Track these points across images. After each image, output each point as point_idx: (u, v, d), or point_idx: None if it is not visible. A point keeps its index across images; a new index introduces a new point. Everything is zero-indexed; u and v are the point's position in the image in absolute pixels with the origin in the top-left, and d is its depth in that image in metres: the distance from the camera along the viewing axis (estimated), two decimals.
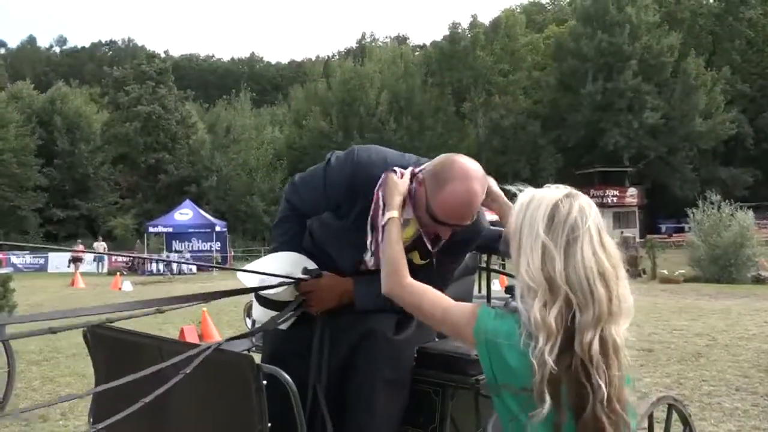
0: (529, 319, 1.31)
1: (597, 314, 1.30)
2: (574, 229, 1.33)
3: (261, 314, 2.06)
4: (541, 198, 1.40)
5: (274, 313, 2.01)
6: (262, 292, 2.02)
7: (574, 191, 1.42)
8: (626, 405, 1.33)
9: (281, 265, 2.01)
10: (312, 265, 2.03)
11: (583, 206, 1.37)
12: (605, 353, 1.30)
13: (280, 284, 1.95)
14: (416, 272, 1.94)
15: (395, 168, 1.90)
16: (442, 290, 2.06)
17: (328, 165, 2.03)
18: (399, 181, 1.85)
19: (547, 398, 1.26)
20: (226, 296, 1.96)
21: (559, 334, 1.29)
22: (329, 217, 2.07)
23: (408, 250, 1.92)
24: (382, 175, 1.89)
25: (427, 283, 1.98)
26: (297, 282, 1.97)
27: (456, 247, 2.01)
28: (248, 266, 2.06)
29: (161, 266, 25.47)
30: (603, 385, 1.27)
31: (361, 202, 1.94)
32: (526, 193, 1.44)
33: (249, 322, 2.61)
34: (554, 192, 1.41)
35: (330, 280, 2.00)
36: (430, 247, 1.93)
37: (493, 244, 2.57)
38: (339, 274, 2.06)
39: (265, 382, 1.65)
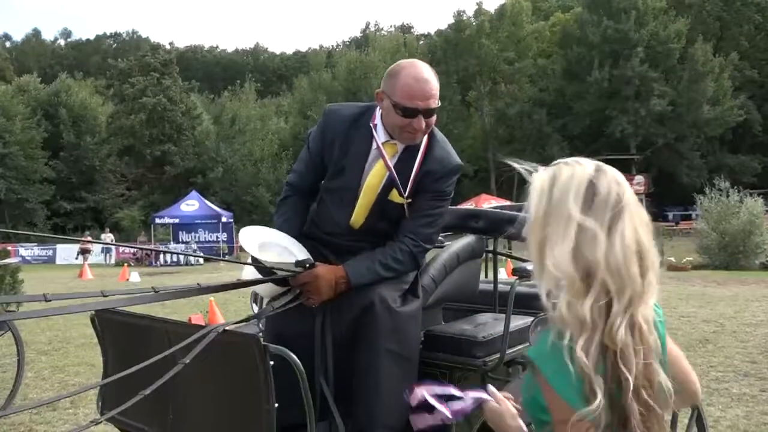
0: (561, 318, 1.13)
1: (629, 297, 1.13)
2: (616, 204, 1.16)
3: (262, 288, 2.09)
4: (569, 178, 1.18)
5: (270, 287, 2.03)
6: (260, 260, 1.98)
7: (599, 163, 1.22)
8: (658, 389, 1.15)
9: (277, 248, 2.02)
10: (304, 255, 2.01)
11: (617, 177, 1.20)
12: (634, 340, 1.13)
13: (276, 271, 1.95)
14: (399, 212, 2.08)
15: (480, 396, 1.37)
16: (431, 237, 2.13)
17: (310, 134, 2.21)
18: (498, 405, 1.36)
19: (599, 397, 1.09)
20: (221, 291, 1.98)
21: (597, 327, 1.12)
22: (325, 181, 2.18)
23: (387, 190, 2.06)
24: (469, 404, 1.37)
25: (412, 225, 2.08)
26: (293, 275, 1.95)
27: (428, 182, 2.07)
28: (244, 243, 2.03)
29: (168, 257, 25.65)
30: (630, 378, 1.11)
31: (337, 138, 2.09)
32: (544, 175, 1.21)
33: (255, 308, 2.62)
34: (581, 168, 1.19)
35: (323, 268, 1.99)
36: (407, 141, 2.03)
37: (501, 227, 2.56)
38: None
39: (272, 362, 1.65)
